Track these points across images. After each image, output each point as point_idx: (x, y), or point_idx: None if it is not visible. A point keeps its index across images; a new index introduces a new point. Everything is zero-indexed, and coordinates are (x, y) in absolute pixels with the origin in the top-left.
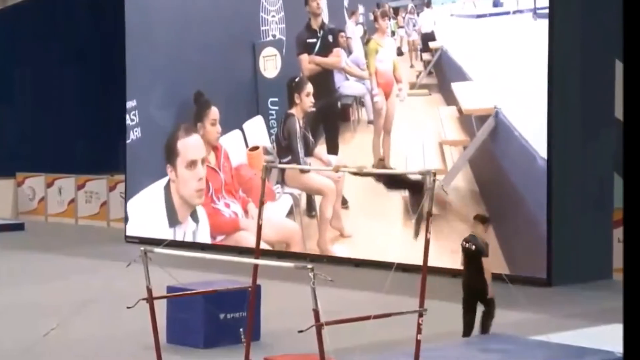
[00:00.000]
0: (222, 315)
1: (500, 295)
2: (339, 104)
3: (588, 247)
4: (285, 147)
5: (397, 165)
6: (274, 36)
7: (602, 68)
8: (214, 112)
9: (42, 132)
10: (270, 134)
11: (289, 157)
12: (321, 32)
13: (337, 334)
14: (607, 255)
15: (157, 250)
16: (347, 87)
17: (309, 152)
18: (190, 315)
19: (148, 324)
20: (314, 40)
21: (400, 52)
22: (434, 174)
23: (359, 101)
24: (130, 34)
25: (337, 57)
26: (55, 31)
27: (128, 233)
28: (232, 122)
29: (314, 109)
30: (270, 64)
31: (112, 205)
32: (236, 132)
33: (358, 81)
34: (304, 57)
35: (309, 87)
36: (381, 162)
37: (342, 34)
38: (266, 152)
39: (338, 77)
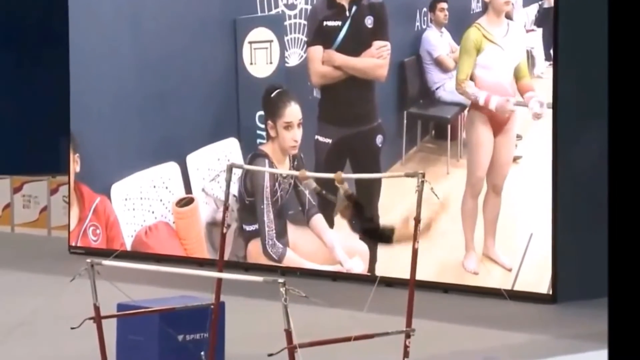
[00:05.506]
0: (180, 337)
1: (499, 314)
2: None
3: (597, 259)
4: (249, 206)
5: (510, 263)
6: (291, 6)
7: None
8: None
9: None
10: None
11: (255, 226)
12: (353, 8)
13: (313, 358)
14: None
15: (106, 262)
16: (449, 90)
17: (306, 218)
18: (143, 336)
19: (95, 347)
20: (337, 23)
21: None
22: (423, 175)
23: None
24: (74, 10)
25: (380, 56)
26: None
27: (72, 243)
28: (165, 149)
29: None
30: (261, 56)
31: (53, 210)
32: (169, 167)
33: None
34: (315, 52)
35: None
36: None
37: (443, 4)
38: (220, 205)
39: (433, 71)
